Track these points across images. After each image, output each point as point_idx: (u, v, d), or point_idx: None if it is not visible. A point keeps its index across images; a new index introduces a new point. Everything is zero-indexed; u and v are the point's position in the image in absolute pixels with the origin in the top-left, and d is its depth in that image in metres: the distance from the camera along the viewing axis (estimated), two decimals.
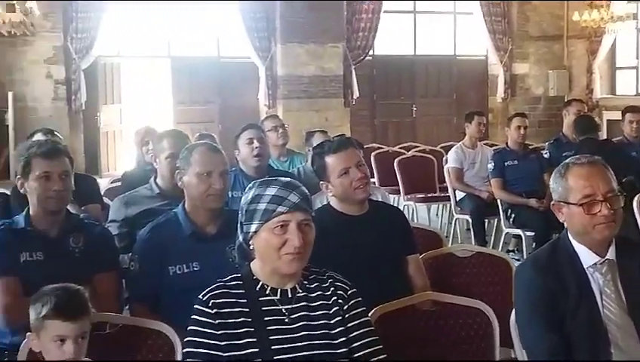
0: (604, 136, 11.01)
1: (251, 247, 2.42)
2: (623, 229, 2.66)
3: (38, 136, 4.91)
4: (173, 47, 13.19)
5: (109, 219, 4.20)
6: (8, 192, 4.68)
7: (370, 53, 13.46)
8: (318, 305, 2.42)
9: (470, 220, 7.36)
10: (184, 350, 2.37)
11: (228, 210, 3.43)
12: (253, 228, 2.38)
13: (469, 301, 3.04)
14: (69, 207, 3.36)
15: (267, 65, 12.55)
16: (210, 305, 2.33)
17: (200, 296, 2.37)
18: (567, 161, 2.71)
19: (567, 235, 2.69)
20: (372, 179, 6.07)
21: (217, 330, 2.31)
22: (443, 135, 13.09)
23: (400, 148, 9.52)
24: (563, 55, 14.65)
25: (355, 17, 12.98)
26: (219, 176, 3.29)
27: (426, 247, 3.79)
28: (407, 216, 4.10)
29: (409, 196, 8.26)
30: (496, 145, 8.57)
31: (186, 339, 2.36)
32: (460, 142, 7.92)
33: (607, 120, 13.68)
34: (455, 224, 7.81)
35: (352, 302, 2.45)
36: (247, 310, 2.35)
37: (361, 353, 2.38)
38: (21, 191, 3.26)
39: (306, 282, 2.46)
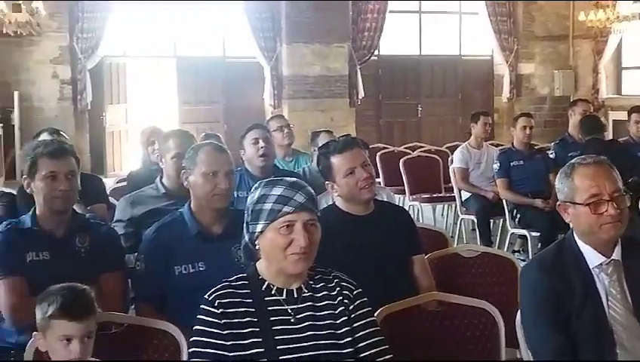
0: (610, 137, 10.98)
1: (257, 247, 2.42)
2: (629, 229, 2.66)
3: (44, 136, 4.92)
4: (179, 47, 13.20)
5: (114, 218, 4.21)
6: (14, 192, 4.69)
7: (376, 53, 13.47)
8: (323, 305, 2.42)
9: (475, 220, 7.36)
10: (190, 350, 2.37)
11: (233, 209, 3.44)
12: (259, 228, 2.38)
13: (474, 301, 3.04)
14: (75, 207, 3.36)
15: (272, 65, 12.56)
16: (216, 304, 2.33)
17: (206, 296, 2.37)
18: (572, 161, 2.71)
19: (572, 236, 2.68)
20: (377, 179, 6.07)
21: (223, 330, 2.31)
22: (448, 135, 13.08)
23: (405, 148, 9.51)
24: (569, 55, 14.64)
25: (360, 17, 12.99)
26: (224, 175, 3.30)
27: (431, 247, 3.79)
28: (412, 216, 4.10)
29: (414, 196, 8.26)
30: (502, 146, 8.55)
31: (191, 339, 2.36)
32: (466, 142, 7.92)
33: (613, 120, 13.64)
34: (460, 224, 7.81)
35: (357, 302, 2.45)
36: (253, 310, 2.35)
37: (367, 353, 2.38)
38: (27, 190, 3.26)
39: (311, 282, 2.45)
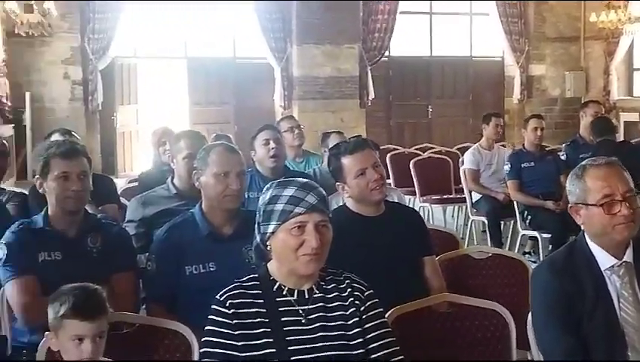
0: (622, 138, 10.95)
1: (268, 248, 2.43)
2: None
3: (56, 137, 4.94)
4: (190, 48, 13.24)
5: (126, 219, 4.23)
6: (26, 192, 4.71)
7: (386, 54, 13.46)
8: (335, 306, 2.42)
9: (486, 222, 7.35)
10: (201, 350, 2.38)
11: (244, 210, 3.45)
12: (270, 228, 2.39)
13: (485, 303, 3.04)
14: (86, 207, 3.37)
15: (283, 66, 12.57)
16: (227, 305, 2.34)
17: (217, 297, 2.37)
18: (583, 163, 2.70)
19: (584, 238, 2.67)
20: (387, 181, 6.07)
21: (234, 330, 2.32)
22: (459, 136, 13.06)
23: (416, 149, 9.52)
24: (580, 56, 14.58)
25: (371, 18, 12.98)
26: (236, 176, 3.30)
27: (442, 249, 3.79)
28: (422, 217, 4.10)
29: (425, 197, 8.26)
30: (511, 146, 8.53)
31: (203, 339, 2.37)
32: (477, 144, 7.90)
33: (625, 121, 13.61)
34: (471, 226, 7.79)
35: (369, 303, 2.45)
36: (265, 310, 2.36)
37: (378, 354, 2.38)
38: (40, 191, 3.28)
39: (322, 283, 2.46)
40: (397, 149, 9.51)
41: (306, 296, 2.42)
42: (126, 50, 12.77)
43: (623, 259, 2.61)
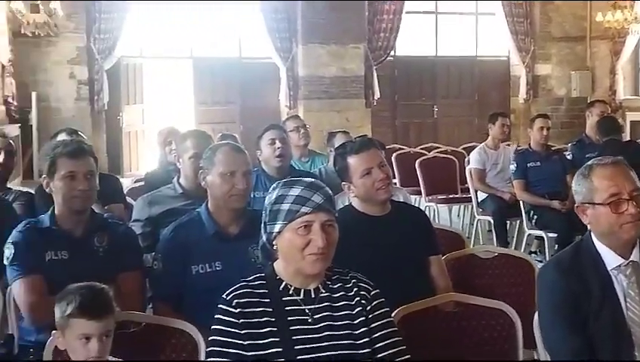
0: (628, 138, 10.93)
1: (275, 247, 2.43)
2: None
3: (62, 136, 4.95)
4: (195, 48, 13.25)
5: (132, 218, 4.23)
6: (33, 191, 4.72)
7: (392, 53, 13.46)
8: (341, 305, 2.42)
9: (492, 221, 7.34)
10: (208, 349, 2.38)
11: (250, 210, 3.45)
12: (276, 228, 2.39)
13: (491, 302, 3.03)
14: (93, 207, 3.38)
15: (288, 66, 12.58)
16: (233, 304, 2.34)
17: (224, 296, 2.38)
18: (589, 162, 2.69)
19: (590, 237, 2.67)
20: (393, 180, 6.07)
21: (241, 330, 2.32)
22: (464, 136, 13.05)
23: (421, 149, 9.52)
24: (586, 56, 14.56)
25: (376, 18, 12.98)
26: (242, 176, 3.31)
27: (448, 248, 3.78)
28: (428, 217, 4.10)
29: (430, 197, 8.25)
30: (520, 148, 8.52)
31: (209, 338, 2.37)
32: (483, 143, 7.90)
33: (631, 121, 13.59)
34: (477, 225, 7.79)
35: (375, 302, 2.45)
36: (271, 310, 2.36)
37: (384, 353, 2.38)
38: (47, 190, 3.28)
39: (329, 282, 2.46)
40: (402, 149, 9.51)
41: (313, 296, 2.42)
42: (132, 50, 12.79)
43: (630, 259, 2.61)
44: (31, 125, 11.16)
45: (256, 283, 2.42)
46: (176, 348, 2.83)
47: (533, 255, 6.92)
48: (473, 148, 8.21)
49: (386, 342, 2.40)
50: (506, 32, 13.90)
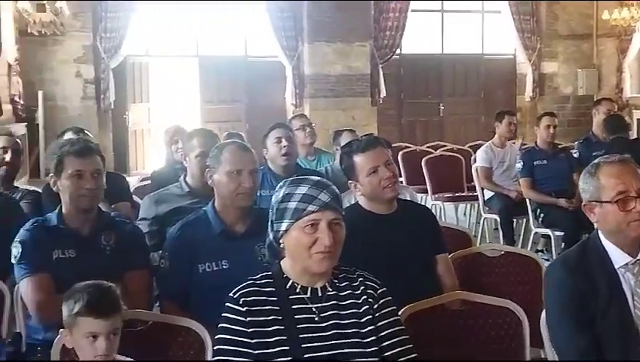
0: (634, 136, 10.90)
1: (282, 246, 2.43)
2: None
3: (69, 135, 4.96)
4: (201, 47, 13.25)
5: (139, 216, 4.24)
6: (40, 190, 4.74)
7: (398, 51, 13.44)
8: (348, 303, 2.42)
9: (499, 220, 7.32)
10: (215, 347, 2.38)
11: (257, 208, 3.45)
12: (283, 226, 2.39)
13: (498, 300, 3.03)
14: (100, 205, 3.38)
15: (294, 65, 12.58)
16: (240, 302, 2.34)
17: (231, 294, 2.38)
18: (596, 160, 2.69)
19: (597, 236, 2.66)
20: (399, 179, 6.07)
21: (248, 328, 2.32)
22: (471, 134, 13.03)
23: (427, 147, 9.51)
24: (592, 54, 14.52)
25: (382, 16, 12.97)
26: (249, 174, 3.31)
27: (454, 247, 3.78)
28: (435, 215, 4.09)
29: (437, 195, 8.25)
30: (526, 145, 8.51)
31: (216, 337, 2.38)
32: (489, 141, 7.89)
33: (638, 119, 13.56)
34: (483, 223, 7.78)
35: (382, 301, 2.45)
36: (278, 308, 2.36)
37: (391, 352, 2.38)
38: (54, 189, 3.29)
39: (336, 281, 2.46)
40: (409, 147, 9.50)
41: (319, 294, 2.42)
42: (138, 49, 12.79)
43: (638, 257, 2.60)
44: (37, 124, 11.18)
45: (263, 281, 2.42)
46: (183, 346, 2.83)
47: (539, 253, 6.92)
48: (479, 146, 8.21)
49: (392, 341, 2.40)
50: (512, 30, 13.87)
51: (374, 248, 3.17)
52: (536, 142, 7.30)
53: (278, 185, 2.49)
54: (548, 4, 14.07)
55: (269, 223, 2.47)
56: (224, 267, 3.22)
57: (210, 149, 3.58)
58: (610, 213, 2.57)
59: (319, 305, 2.40)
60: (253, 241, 3.17)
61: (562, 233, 6.50)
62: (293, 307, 2.38)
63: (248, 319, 2.33)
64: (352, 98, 12.79)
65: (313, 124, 6.60)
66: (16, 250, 3.13)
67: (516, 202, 7.20)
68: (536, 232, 6.99)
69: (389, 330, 2.41)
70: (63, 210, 3.23)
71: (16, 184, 4.97)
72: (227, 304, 2.37)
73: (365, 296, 2.44)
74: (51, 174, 3.27)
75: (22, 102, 11.05)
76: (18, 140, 5.05)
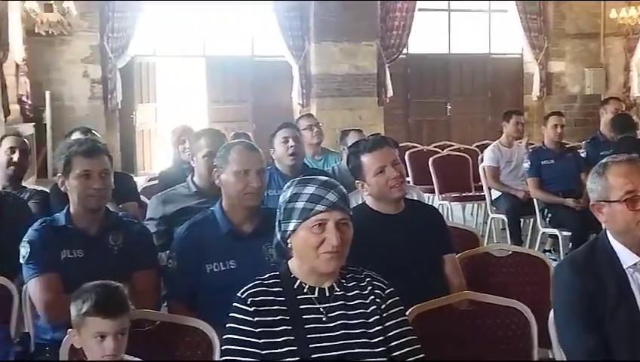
0: None
1: (289, 246, 2.43)
2: None
3: (77, 135, 4.96)
4: (208, 47, 13.27)
5: (147, 216, 4.25)
6: (48, 190, 4.75)
7: (405, 51, 13.43)
8: (355, 303, 2.42)
9: (506, 220, 7.32)
10: (223, 347, 2.39)
11: (264, 208, 3.45)
12: (291, 226, 2.39)
13: (506, 301, 3.02)
14: (108, 205, 3.39)
15: (301, 64, 12.58)
16: (248, 302, 2.35)
17: (239, 294, 2.38)
18: (604, 160, 2.68)
19: (605, 236, 2.65)
20: (406, 178, 6.07)
21: (255, 328, 2.32)
22: (478, 134, 12.99)
23: (434, 147, 9.50)
24: (600, 53, 14.49)
25: (389, 16, 12.96)
26: (256, 174, 3.31)
27: (462, 247, 3.77)
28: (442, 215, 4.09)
29: (444, 195, 8.24)
30: (533, 145, 8.50)
31: (224, 337, 2.38)
32: (497, 141, 7.88)
33: None
34: (490, 223, 7.77)
35: (389, 301, 2.45)
36: (285, 308, 2.36)
37: (398, 352, 2.38)
38: (62, 189, 3.29)
39: (343, 281, 2.46)
40: (415, 147, 9.50)
41: (327, 294, 2.42)
42: (145, 49, 12.81)
43: None
44: (45, 124, 11.20)
45: (270, 281, 2.42)
46: (191, 346, 2.83)
47: (547, 253, 6.91)
48: (486, 145, 8.20)
49: (400, 341, 2.40)
50: (519, 30, 13.84)
51: (382, 248, 3.17)
52: (543, 141, 7.29)
53: (286, 185, 2.49)
54: (555, 3, 14.04)
55: (277, 223, 2.48)
56: (232, 267, 3.22)
57: (217, 149, 3.58)
58: (618, 212, 2.56)
59: (327, 305, 2.40)
60: (260, 241, 3.17)
61: (570, 233, 6.49)
62: (300, 307, 2.38)
63: (256, 319, 2.33)
64: (358, 98, 12.78)
65: (320, 124, 6.60)
66: (24, 249, 3.14)
67: (523, 202, 7.19)
68: (543, 232, 6.98)
69: (397, 330, 2.41)
70: (71, 210, 3.24)
71: (23, 184, 4.98)
72: (235, 304, 2.37)
73: (373, 296, 2.44)
74: (59, 174, 3.28)
75: (29, 102, 11.08)
76: (26, 140, 5.06)
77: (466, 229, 4.40)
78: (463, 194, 8.31)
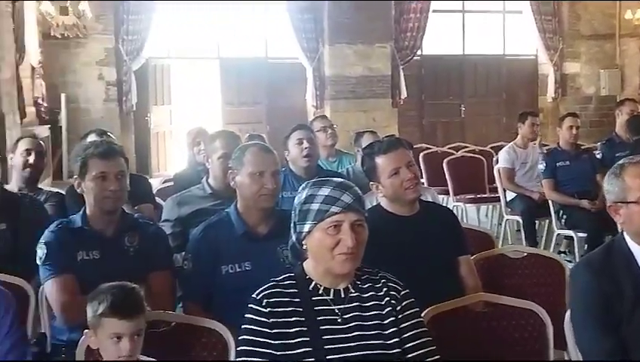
0: None
1: (304, 247, 2.43)
2: None
3: (93, 137, 4.99)
4: (222, 49, 13.30)
5: (162, 218, 4.27)
6: (63, 192, 4.78)
7: (419, 52, 13.41)
8: (370, 305, 2.42)
9: (521, 221, 7.29)
10: (238, 348, 2.39)
11: (279, 209, 3.46)
12: (306, 228, 2.39)
13: (521, 302, 3.01)
14: (123, 207, 3.40)
15: (315, 66, 12.59)
16: (263, 304, 2.35)
17: (254, 296, 2.39)
18: (621, 161, 2.67)
19: (622, 237, 2.64)
20: (421, 180, 6.06)
21: (271, 329, 2.33)
22: (492, 135, 12.97)
23: (449, 148, 9.48)
24: (615, 54, 14.41)
25: (403, 17, 12.95)
26: (271, 175, 3.32)
27: (477, 248, 3.77)
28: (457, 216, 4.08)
29: (458, 197, 8.22)
30: (547, 146, 8.46)
31: (239, 338, 2.38)
32: (512, 142, 7.85)
33: None
34: (505, 225, 7.74)
35: (404, 302, 2.44)
36: (301, 309, 2.36)
37: (414, 354, 2.38)
38: (78, 191, 3.31)
39: (358, 282, 2.46)
40: (430, 148, 9.48)
41: (342, 296, 2.42)
42: (159, 51, 12.87)
43: None
44: (60, 126, 11.27)
45: (285, 282, 2.43)
46: (207, 347, 2.84)
47: (562, 255, 6.88)
48: (501, 147, 8.17)
49: (415, 342, 2.39)
50: (534, 31, 13.79)
51: (396, 250, 3.16)
52: (558, 143, 7.26)
53: (301, 187, 2.49)
54: (570, 3, 13.99)
55: (292, 225, 2.48)
56: (247, 268, 3.23)
57: (232, 151, 3.59)
58: (635, 213, 2.55)
59: (342, 306, 2.40)
60: (275, 243, 3.18)
61: (585, 234, 6.45)
62: (315, 308, 2.38)
63: (271, 320, 2.33)
64: (372, 99, 12.79)
65: (334, 126, 6.60)
66: (41, 251, 3.16)
67: (539, 203, 7.16)
68: (558, 234, 6.95)
69: (412, 332, 2.40)
70: (88, 212, 3.25)
71: (39, 186, 5.01)
72: (250, 305, 2.38)
73: (388, 298, 2.44)
74: (75, 176, 3.30)
75: (45, 104, 11.14)
76: (41, 142, 5.09)
77: (481, 231, 4.39)
78: (478, 196, 8.29)
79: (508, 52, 14.57)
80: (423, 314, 2.62)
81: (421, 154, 8.70)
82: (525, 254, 3.77)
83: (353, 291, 2.44)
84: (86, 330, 2.61)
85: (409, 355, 2.38)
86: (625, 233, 2.63)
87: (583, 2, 14.04)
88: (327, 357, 2.32)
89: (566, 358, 3.05)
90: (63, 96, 11.38)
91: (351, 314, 2.40)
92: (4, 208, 3.99)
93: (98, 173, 3.20)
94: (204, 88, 15.86)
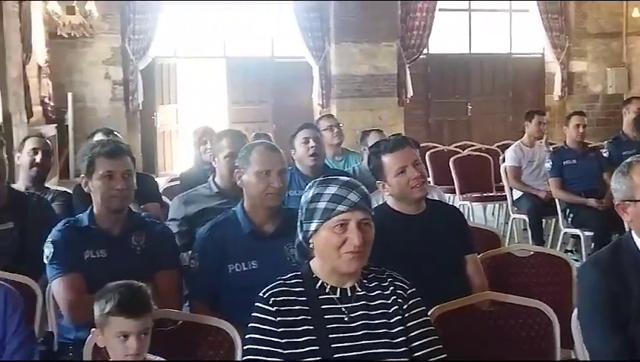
0: None
1: (311, 246, 2.43)
2: None
3: (99, 136, 4.99)
4: (228, 48, 13.32)
5: (168, 217, 4.27)
6: (70, 191, 4.78)
7: (425, 51, 13.42)
8: (377, 304, 2.42)
9: (527, 220, 7.28)
10: (245, 347, 2.39)
11: (285, 208, 3.46)
12: (313, 226, 2.39)
13: (528, 301, 3.01)
14: (130, 206, 3.41)
15: (321, 65, 12.59)
16: (270, 302, 2.35)
17: (261, 294, 2.39)
18: (628, 159, 2.67)
19: (630, 236, 2.63)
20: (427, 179, 6.04)
21: (278, 328, 2.33)
22: (499, 134, 12.95)
23: (455, 147, 9.47)
24: (622, 52, 14.38)
25: (409, 16, 12.95)
26: (277, 174, 3.32)
27: (483, 247, 3.76)
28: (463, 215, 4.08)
29: (465, 195, 8.21)
30: (554, 144, 8.45)
31: (246, 336, 2.39)
32: (519, 141, 7.84)
33: None
34: (512, 224, 7.73)
35: (411, 301, 2.44)
36: (307, 308, 2.37)
37: (420, 352, 2.38)
38: (85, 190, 3.31)
39: (365, 281, 2.46)
40: (436, 147, 9.46)
41: (349, 294, 2.42)
42: (166, 50, 12.89)
43: None
44: (67, 125, 11.30)
45: (292, 281, 2.43)
46: (213, 346, 2.84)
47: (569, 253, 6.87)
48: (507, 146, 8.16)
49: (422, 341, 2.39)
50: (541, 29, 13.77)
51: (403, 248, 3.15)
52: (565, 141, 7.25)
53: (308, 186, 2.49)
54: (576, 2, 13.96)
55: (299, 223, 2.48)
56: (253, 267, 3.23)
57: (238, 150, 3.59)
58: None
59: (349, 305, 2.40)
60: (282, 241, 3.18)
61: (592, 233, 6.44)
62: (322, 307, 2.38)
63: (278, 319, 2.33)
64: (379, 98, 12.79)
65: (340, 125, 6.60)
66: (48, 250, 3.16)
67: (545, 202, 7.14)
68: (565, 232, 6.94)
69: (419, 331, 2.40)
70: (94, 211, 3.26)
71: (46, 185, 5.02)
72: (257, 304, 2.38)
73: (395, 297, 2.44)
74: (82, 175, 3.30)
75: (52, 103, 11.18)
76: (48, 141, 5.10)
77: (488, 230, 4.39)
78: (484, 195, 8.27)
79: (514, 50, 14.56)
80: (429, 313, 2.62)
81: (427, 153, 8.69)
82: (532, 253, 3.77)
83: (360, 290, 2.44)
84: (93, 329, 2.61)
85: (416, 354, 2.37)
86: (633, 231, 2.62)
87: (590, 1, 14.00)
88: (334, 356, 2.31)
89: (573, 357, 3.04)
90: (69, 96, 11.41)
91: (358, 313, 2.40)
92: (12, 207, 4.00)
93: (105, 172, 3.20)
94: (211, 87, 15.88)
